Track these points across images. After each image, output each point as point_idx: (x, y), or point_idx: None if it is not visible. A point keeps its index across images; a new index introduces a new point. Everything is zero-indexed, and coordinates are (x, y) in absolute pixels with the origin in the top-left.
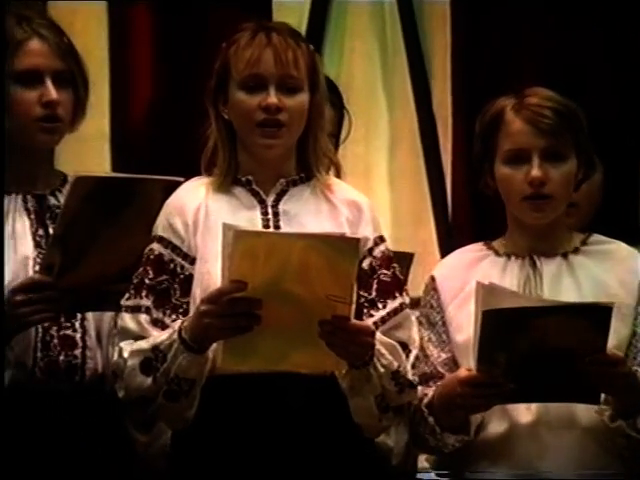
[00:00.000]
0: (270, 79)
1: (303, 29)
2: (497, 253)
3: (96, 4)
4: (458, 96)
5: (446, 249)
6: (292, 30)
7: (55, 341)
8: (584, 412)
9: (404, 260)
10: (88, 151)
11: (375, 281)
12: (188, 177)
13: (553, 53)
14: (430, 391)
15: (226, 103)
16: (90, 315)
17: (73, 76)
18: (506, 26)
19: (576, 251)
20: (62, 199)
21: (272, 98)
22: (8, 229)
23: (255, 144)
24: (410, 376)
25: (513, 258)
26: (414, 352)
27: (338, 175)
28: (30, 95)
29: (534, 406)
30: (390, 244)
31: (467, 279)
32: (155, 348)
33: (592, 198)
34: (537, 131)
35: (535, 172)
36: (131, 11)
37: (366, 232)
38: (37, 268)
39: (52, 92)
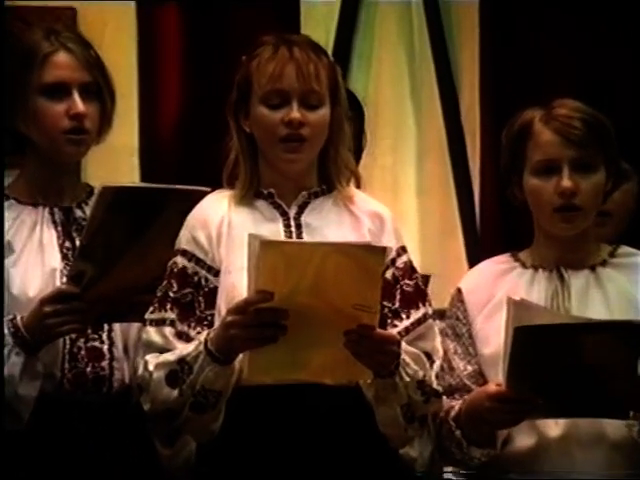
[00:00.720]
0: (293, 94)
1: (331, 40)
2: (524, 265)
3: (124, 16)
4: (486, 108)
5: (474, 261)
6: (313, 43)
7: (83, 352)
8: (613, 427)
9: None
10: (117, 164)
11: (398, 291)
12: (215, 188)
13: (582, 66)
14: (456, 404)
15: (247, 116)
16: (117, 326)
17: (100, 88)
18: (535, 38)
19: (604, 263)
20: (88, 211)
21: (295, 113)
22: (35, 241)
23: (278, 158)
24: (435, 386)
25: (540, 270)
26: (438, 362)
27: (358, 186)
28: (57, 108)
29: (562, 421)
30: (418, 256)
31: (494, 291)
32: (181, 360)
33: (626, 208)
34: (566, 142)
35: (565, 183)
36: (159, 25)
37: (389, 243)
38: (64, 280)
39: (79, 105)
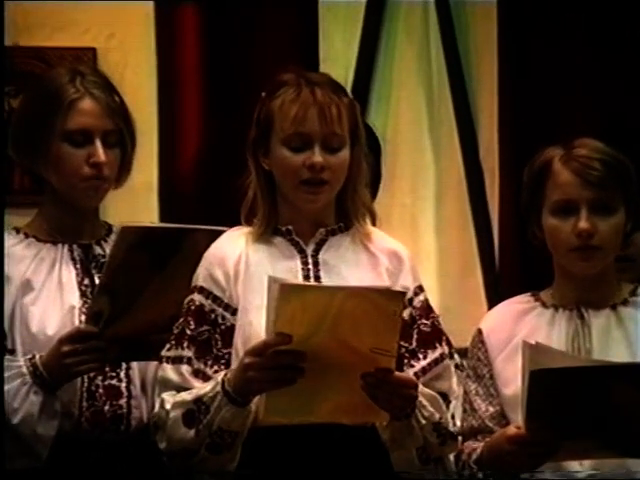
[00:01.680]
0: (315, 138)
1: (350, 76)
2: (544, 305)
3: (144, 56)
4: (505, 146)
5: (493, 299)
6: (334, 83)
7: (100, 391)
8: (639, 466)
9: None
10: (136, 203)
11: (415, 331)
12: (232, 226)
13: (603, 103)
14: (478, 446)
15: (267, 154)
16: (135, 364)
17: (122, 136)
18: (555, 76)
19: (625, 303)
20: (107, 248)
21: (317, 158)
22: (54, 279)
23: (297, 199)
24: (451, 427)
25: (561, 310)
26: (454, 403)
27: (374, 223)
28: (79, 154)
29: (587, 461)
30: (437, 294)
31: (515, 332)
32: (198, 400)
33: None
34: (585, 183)
35: (583, 224)
36: (180, 63)
37: (406, 282)
38: (83, 318)
39: (101, 153)
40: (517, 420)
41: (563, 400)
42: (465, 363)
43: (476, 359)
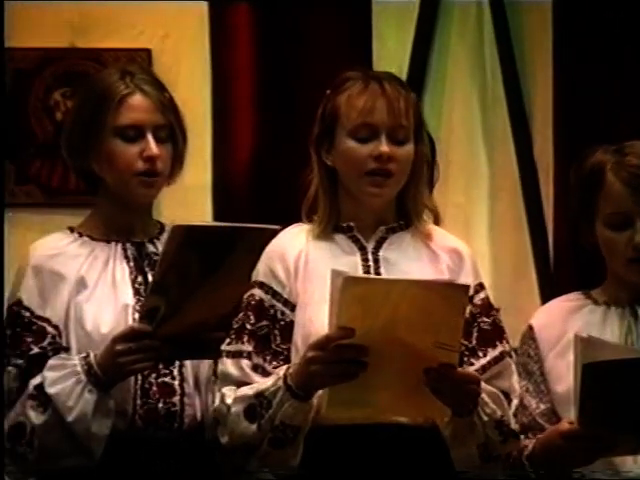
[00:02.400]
0: (382, 129)
1: (403, 78)
2: (596, 302)
3: (198, 56)
4: (560, 146)
5: (547, 299)
6: (399, 79)
7: (154, 388)
8: None
9: None
10: (190, 203)
11: (475, 329)
12: (286, 225)
13: None
14: (529, 443)
15: (330, 150)
16: (188, 362)
17: (173, 131)
18: (610, 76)
19: None
20: (160, 247)
21: (384, 147)
22: (108, 277)
23: (362, 192)
24: (513, 425)
25: (613, 308)
26: (515, 401)
27: (436, 222)
28: (131, 150)
29: None
30: (490, 294)
31: (566, 328)
32: (259, 395)
33: None
34: (638, 194)
35: (639, 238)
36: (234, 63)
37: (467, 279)
38: (136, 316)
39: (153, 147)
40: (568, 417)
41: (616, 393)
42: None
43: (526, 356)
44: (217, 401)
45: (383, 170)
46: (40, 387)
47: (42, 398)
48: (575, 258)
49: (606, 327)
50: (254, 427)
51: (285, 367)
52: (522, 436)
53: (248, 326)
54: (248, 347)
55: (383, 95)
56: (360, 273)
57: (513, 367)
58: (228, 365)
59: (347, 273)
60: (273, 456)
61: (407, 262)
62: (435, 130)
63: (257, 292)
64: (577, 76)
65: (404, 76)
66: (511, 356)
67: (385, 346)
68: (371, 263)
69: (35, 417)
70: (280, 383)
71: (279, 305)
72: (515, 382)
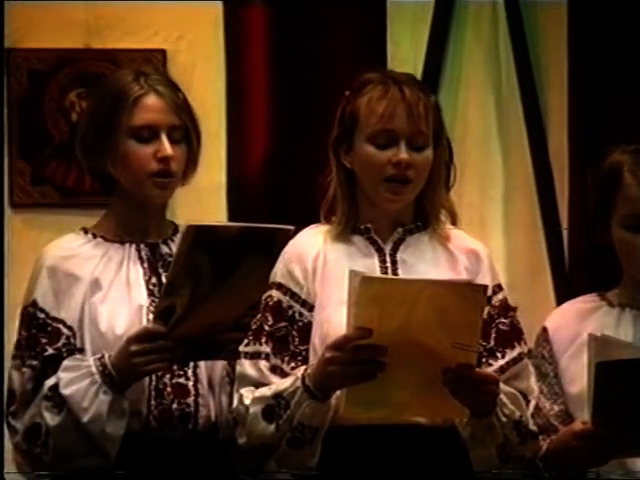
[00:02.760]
0: (401, 135)
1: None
2: (611, 304)
3: (213, 57)
4: (575, 146)
5: (563, 300)
6: (419, 82)
7: (168, 389)
8: None
9: None
10: (205, 204)
11: (494, 330)
12: (301, 226)
13: None
14: (543, 444)
15: (349, 151)
16: (202, 363)
17: (187, 131)
18: (625, 76)
19: None
20: (174, 248)
21: (403, 154)
22: (122, 278)
23: (380, 198)
24: (532, 426)
25: (627, 309)
26: (533, 402)
27: (454, 223)
28: (146, 150)
29: None
30: (505, 293)
31: (580, 330)
32: (278, 395)
33: None
34: None
35: None
36: (248, 64)
37: (485, 281)
38: (151, 317)
39: (167, 148)
40: (583, 418)
41: (630, 393)
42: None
43: (540, 357)
44: (235, 402)
45: (401, 177)
46: (55, 388)
47: (57, 399)
48: (590, 259)
49: (620, 329)
50: (272, 428)
51: (303, 368)
52: (540, 437)
53: (266, 327)
54: (266, 348)
55: (403, 101)
56: (378, 274)
57: (531, 368)
58: (246, 366)
59: (364, 273)
60: (291, 457)
61: (424, 264)
62: (450, 130)
63: (275, 293)
64: (592, 75)
65: (418, 76)
66: (529, 357)
67: (403, 346)
68: (389, 265)
69: (50, 418)
70: (298, 384)
71: (297, 306)
72: (533, 383)
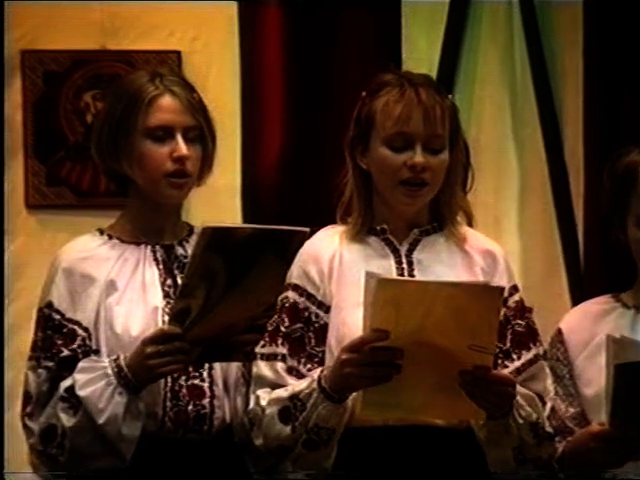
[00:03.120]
0: (417, 138)
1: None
2: (626, 305)
3: (228, 59)
4: (591, 146)
5: (578, 300)
6: (436, 84)
7: (184, 391)
8: None
9: None
10: (219, 205)
11: (509, 332)
12: (316, 227)
13: None
14: (559, 446)
15: (365, 153)
16: (217, 364)
17: (202, 132)
18: None
19: None
20: (189, 249)
21: (419, 158)
22: (138, 279)
23: (395, 200)
24: (548, 428)
25: None
26: (549, 404)
27: (469, 224)
28: (161, 150)
29: None
30: (521, 294)
31: (595, 331)
32: (294, 397)
33: None
34: None
35: None
36: (263, 65)
37: (501, 282)
38: (166, 318)
39: (183, 148)
40: (598, 420)
41: None
42: None
43: (555, 359)
44: (252, 403)
45: (417, 179)
46: (71, 389)
47: (73, 400)
48: (605, 259)
49: (636, 331)
50: (288, 429)
51: (319, 369)
52: (556, 438)
53: (282, 328)
54: (282, 350)
55: (419, 104)
56: (394, 276)
57: (547, 370)
58: (262, 367)
59: (381, 275)
60: (307, 458)
61: (441, 265)
62: (465, 130)
63: (291, 294)
64: (608, 75)
65: (434, 76)
66: (545, 358)
67: (419, 348)
68: (405, 265)
69: (66, 419)
70: (314, 385)
71: (313, 307)
72: (549, 385)
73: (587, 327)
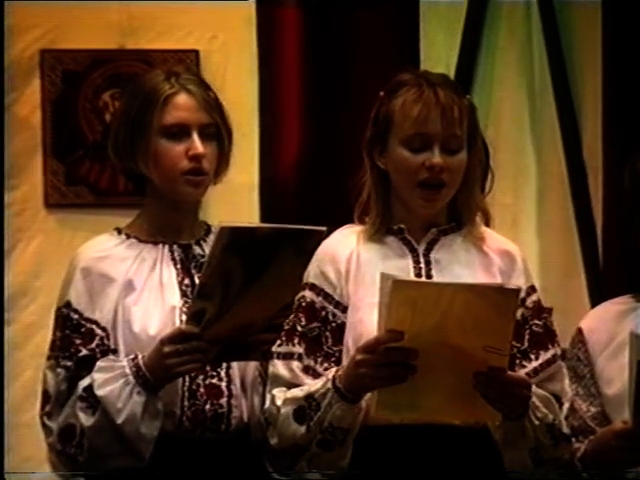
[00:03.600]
0: (435, 139)
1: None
2: None
3: (246, 57)
4: (609, 145)
5: (597, 300)
6: (454, 83)
7: (202, 390)
8: None
9: None
10: (237, 203)
11: (527, 332)
12: (333, 226)
13: None
14: (580, 445)
15: (383, 153)
16: (234, 364)
17: (218, 130)
18: None
19: None
20: (207, 248)
21: (437, 159)
22: (155, 279)
23: (413, 202)
24: (565, 429)
25: None
26: (566, 404)
27: (487, 224)
28: (177, 148)
29: None
30: (539, 295)
31: (616, 332)
32: (309, 397)
33: None
34: None
35: None
36: (281, 64)
37: (519, 282)
38: (184, 318)
39: (198, 146)
40: (620, 420)
41: None
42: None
43: (576, 359)
44: (267, 403)
45: (435, 180)
46: (89, 389)
47: (91, 400)
48: (625, 259)
49: None
50: (303, 429)
51: (334, 369)
52: (573, 439)
53: (299, 328)
54: (299, 349)
55: (437, 104)
56: (411, 276)
57: (565, 370)
58: (279, 367)
59: (396, 276)
60: (322, 458)
61: (458, 265)
62: (483, 129)
63: (308, 294)
64: (627, 75)
65: (451, 76)
66: (563, 359)
67: (434, 349)
68: (422, 265)
69: (85, 419)
70: (329, 385)
71: (330, 307)
72: (567, 385)
73: (608, 327)
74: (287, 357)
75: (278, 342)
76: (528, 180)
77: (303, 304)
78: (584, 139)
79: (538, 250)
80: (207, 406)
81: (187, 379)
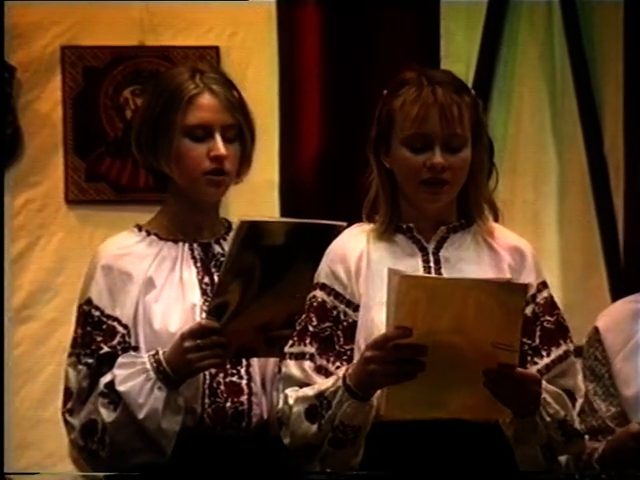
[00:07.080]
0: (435, 138)
1: (471, 75)
2: None
3: (266, 54)
4: (631, 140)
5: (618, 296)
6: (456, 81)
7: (222, 387)
8: None
9: None
10: (258, 200)
11: (538, 328)
12: (352, 222)
13: None
14: (599, 445)
15: (388, 152)
16: (255, 361)
17: (241, 130)
18: None
19: None
20: (226, 247)
21: (438, 158)
22: (176, 277)
23: (418, 199)
24: (577, 425)
25: None
26: (580, 401)
27: (496, 219)
28: (199, 149)
29: None
30: (560, 291)
31: (633, 330)
32: (320, 395)
33: None
34: None
35: None
36: (302, 63)
37: (529, 278)
38: (204, 315)
39: (221, 147)
40: (638, 420)
41: None
42: (581, 363)
43: (593, 358)
44: (280, 402)
45: (437, 179)
46: (111, 385)
47: (113, 396)
48: None
49: None
50: (315, 427)
51: (345, 368)
52: (592, 439)
53: (310, 328)
54: (311, 349)
55: (436, 103)
56: (421, 273)
57: (578, 366)
58: (291, 367)
59: (404, 272)
60: (334, 456)
61: (468, 262)
62: (504, 127)
63: (319, 294)
64: None
65: (472, 73)
66: (576, 355)
67: (444, 346)
68: (432, 264)
69: (106, 415)
70: (339, 383)
71: (341, 306)
72: (580, 381)
73: (624, 326)
74: (299, 357)
75: (290, 342)
76: (549, 176)
77: (314, 304)
78: (605, 136)
79: (559, 247)
80: (228, 404)
81: (207, 377)
